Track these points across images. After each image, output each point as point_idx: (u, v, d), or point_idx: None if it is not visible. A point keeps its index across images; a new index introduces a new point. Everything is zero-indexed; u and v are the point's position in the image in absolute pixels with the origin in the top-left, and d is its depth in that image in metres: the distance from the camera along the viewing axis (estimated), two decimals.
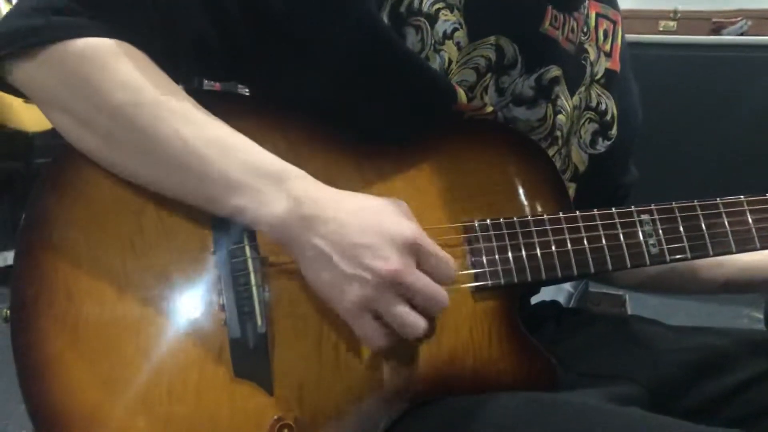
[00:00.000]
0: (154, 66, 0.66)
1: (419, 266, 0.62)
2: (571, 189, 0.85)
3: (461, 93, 0.73)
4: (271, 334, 0.65)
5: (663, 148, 1.08)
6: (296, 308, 0.66)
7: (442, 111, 0.74)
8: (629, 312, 1.39)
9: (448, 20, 0.72)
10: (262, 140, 0.69)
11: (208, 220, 0.66)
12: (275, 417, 0.64)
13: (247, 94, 0.82)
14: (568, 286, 1.35)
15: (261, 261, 0.66)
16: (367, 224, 0.61)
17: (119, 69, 0.63)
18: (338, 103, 0.72)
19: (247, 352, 0.64)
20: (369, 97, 0.72)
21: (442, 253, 0.64)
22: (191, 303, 0.65)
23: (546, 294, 0.99)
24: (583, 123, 0.85)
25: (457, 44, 0.73)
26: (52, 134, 0.69)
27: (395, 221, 0.62)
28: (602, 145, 0.87)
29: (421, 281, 0.61)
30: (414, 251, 0.62)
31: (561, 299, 1.32)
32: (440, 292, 0.63)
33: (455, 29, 0.72)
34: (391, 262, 0.60)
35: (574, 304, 1.35)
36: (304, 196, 0.62)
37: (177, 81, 0.67)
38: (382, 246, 0.60)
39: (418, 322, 0.62)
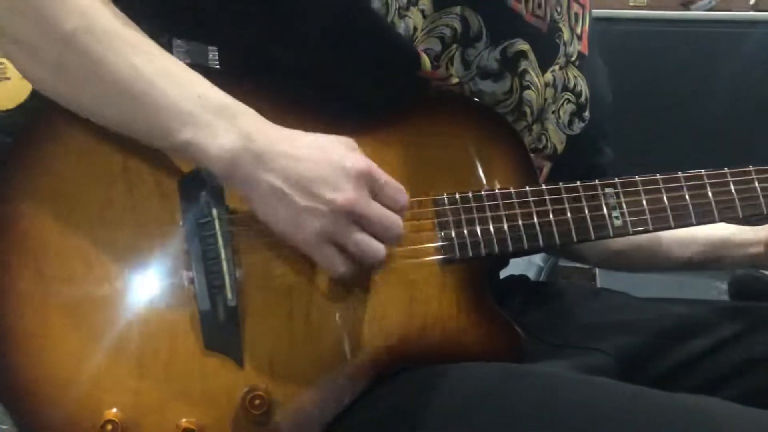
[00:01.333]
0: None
1: (373, 196, 0.63)
2: (547, 167, 0.86)
3: (425, 59, 0.73)
4: (241, 307, 0.65)
5: (633, 122, 1.09)
6: (267, 281, 0.67)
7: (407, 77, 0.74)
8: (599, 285, 1.42)
9: None
10: None
11: (176, 192, 0.66)
12: (246, 389, 0.64)
13: (217, 67, 0.82)
14: (538, 261, 1.37)
15: (231, 234, 0.66)
16: (319, 157, 0.62)
17: None
18: (305, 66, 0.72)
19: (217, 325, 0.65)
20: (335, 60, 0.73)
21: (394, 183, 0.65)
22: (161, 276, 0.65)
23: (516, 269, 1.01)
24: (562, 104, 0.86)
25: (422, 11, 0.73)
26: (17, 112, 0.69)
27: (347, 154, 0.63)
28: (578, 127, 0.88)
29: (376, 210, 0.63)
30: (367, 181, 0.63)
31: (531, 274, 1.34)
32: (395, 219, 0.64)
33: None
34: (345, 192, 0.61)
35: (544, 278, 1.37)
36: (255, 131, 0.62)
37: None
38: (336, 178, 0.61)
39: (378, 248, 0.63)
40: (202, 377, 0.64)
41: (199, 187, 0.66)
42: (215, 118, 0.61)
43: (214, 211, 0.65)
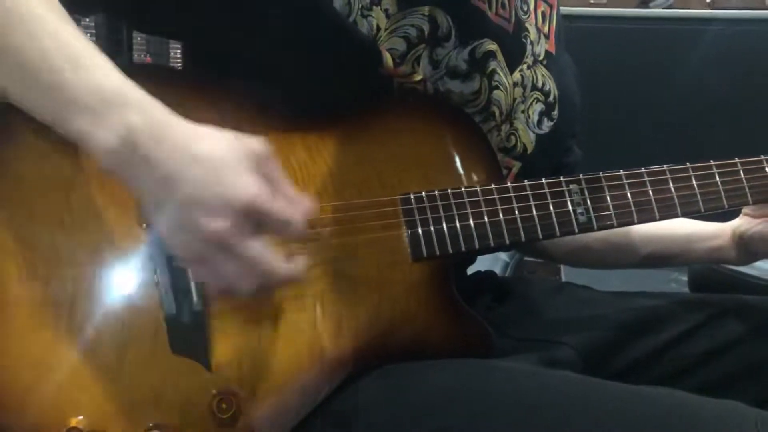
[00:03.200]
0: None
1: (259, 227, 0.59)
2: (516, 167, 0.86)
3: (387, 56, 0.73)
4: (208, 310, 0.65)
5: (593, 119, 1.11)
6: None
7: (369, 74, 0.74)
8: (564, 279, 1.44)
9: None
10: (192, 115, 0.69)
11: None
12: (214, 392, 0.64)
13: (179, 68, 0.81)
14: (504, 256, 1.39)
15: None
16: (205, 178, 0.56)
17: None
18: (267, 64, 0.72)
19: (183, 330, 0.64)
20: (297, 59, 0.72)
21: (285, 213, 0.59)
22: (126, 280, 0.64)
23: (483, 264, 1.02)
24: (531, 103, 0.87)
25: (385, 11, 0.73)
26: None
27: (237, 180, 0.57)
28: (547, 125, 0.89)
29: (249, 250, 0.58)
30: (251, 212, 0.57)
31: (497, 269, 1.35)
32: (269, 263, 0.58)
33: None
34: (217, 223, 0.56)
35: (510, 273, 1.38)
36: (145, 131, 0.57)
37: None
38: (215, 205, 0.56)
39: (246, 287, 0.59)
40: (169, 382, 0.63)
41: None
42: (107, 110, 0.57)
43: None
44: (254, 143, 0.59)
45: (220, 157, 0.57)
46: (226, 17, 0.71)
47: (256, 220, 0.57)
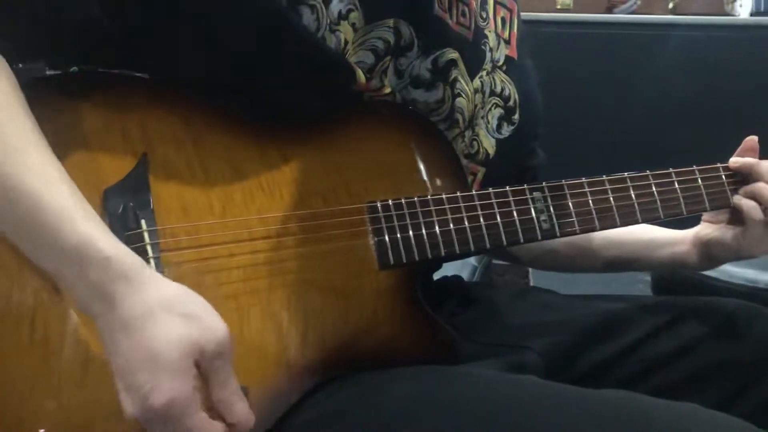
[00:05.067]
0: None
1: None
2: (481, 173, 0.87)
3: (360, 73, 0.74)
4: None
5: (558, 123, 1.12)
6: (200, 293, 0.65)
7: (342, 91, 0.75)
8: (532, 283, 1.46)
9: (342, 1, 0.72)
10: (161, 127, 0.69)
11: (101, 202, 0.64)
12: None
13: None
14: (472, 260, 1.40)
15: (158, 246, 0.65)
16: (137, 360, 0.56)
17: None
18: (237, 84, 0.71)
19: None
20: (268, 77, 0.72)
21: (201, 428, 0.57)
22: None
23: (451, 268, 1.02)
24: (490, 108, 0.88)
25: (353, 25, 0.73)
26: None
27: (160, 385, 0.55)
28: (507, 130, 0.89)
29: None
30: (164, 417, 0.56)
31: (466, 273, 1.36)
32: None
33: (350, 10, 0.73)
34: (132, 411, 0.56)
35: (478, 277, 1.39)
36: (101, 292, 0.58)
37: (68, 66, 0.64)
38: (134, 393, 0.56)
39: None
40: None
41: (125, 197, 0.65)
42: (68, 266, 0.58)
43: (143, 223, 0.64)
44: (214, 337, 0.58)
45: (156, 350, 0.56)
46: (190, 37, 0.70)
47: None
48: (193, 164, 0.69)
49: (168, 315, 0.57)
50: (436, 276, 0.98)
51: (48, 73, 0.70)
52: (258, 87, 0.72)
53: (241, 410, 0.59)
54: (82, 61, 0.70)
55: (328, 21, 0.72)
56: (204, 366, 0.58)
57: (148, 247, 0.64)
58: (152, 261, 0.64)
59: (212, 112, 0.71)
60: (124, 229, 0.64)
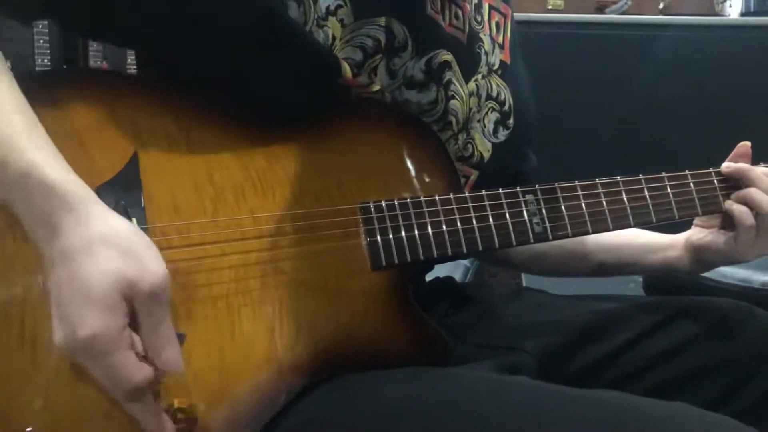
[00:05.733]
0: None
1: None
2: (474, 176, 0.87)
3: (345, 67, 0.73)
4: None
5: (550, 124, 1.12)
6: (190, 292, 0.65)
7: (327, 84, 0.74)
8: (524, 283, 1.46)
9: None
10: (153, 125, 0.68)
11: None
12: (169, 403, 0.63)
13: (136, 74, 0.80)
14: (464, 261, 1.40)
15: None
16: (74, 297, 0.56)
17: None
18: (224, 74, 0.71)
19: None
20: (254, 68, 0.72)
21: (124, 366, 0.56)
22: None
23: (443, 269, 1.02)
24: (486, 112, 0.88)
25: (341, 21, 0.73)
26: None
27: (90, 315, 0.55)
28: (502, 134, 0.89)
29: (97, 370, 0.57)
30: (90, 349, 0.56)
31: (458, 273, 1.36)
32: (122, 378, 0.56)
33: (339, 6, 0.73)
34: (60, 340, 0.56)
35: (471, 277, 1.39)
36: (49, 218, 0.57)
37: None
38: (65, 321, 0.56)
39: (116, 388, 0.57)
40: None
41: (116, 194, 0.64)
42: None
43: (134, 221, 0.64)
44: (150, 277, 0.57)
45: (87, 284, 0.56)
46: (179, 27, 0.70)
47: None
48: (185, 163, 0.69)
49: (106, 249, 0.56)
50: (429, 277, 0.98)
51: (38, 69, 0.69)
52: (246, 80, 0.72)
53: (169, 356, 0.58)
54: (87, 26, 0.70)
55: (316, 16, 0.72)
56: (136, 307, 0.57)
57: None
58: None
59: (205, 111, 0.71)
60: None
